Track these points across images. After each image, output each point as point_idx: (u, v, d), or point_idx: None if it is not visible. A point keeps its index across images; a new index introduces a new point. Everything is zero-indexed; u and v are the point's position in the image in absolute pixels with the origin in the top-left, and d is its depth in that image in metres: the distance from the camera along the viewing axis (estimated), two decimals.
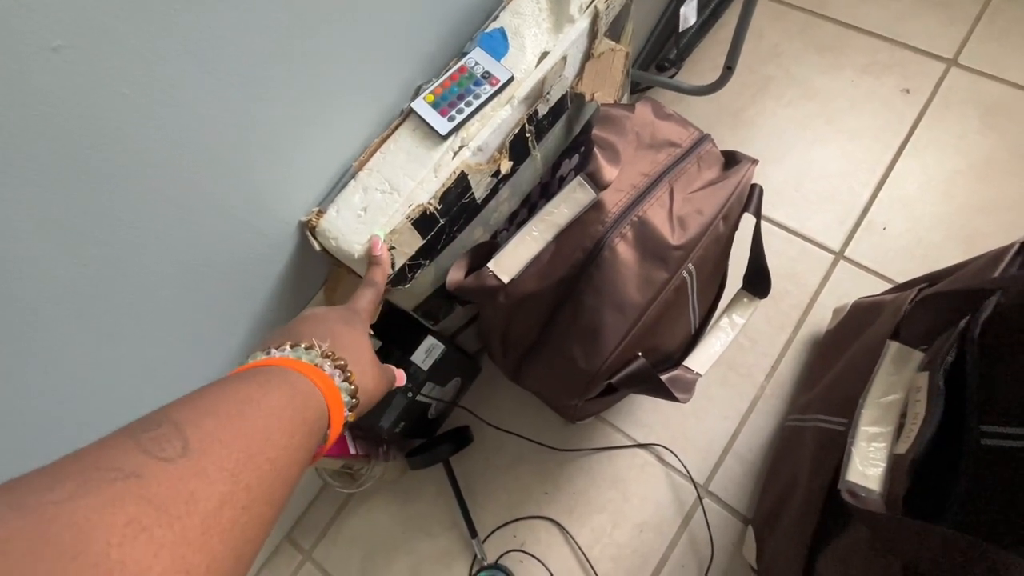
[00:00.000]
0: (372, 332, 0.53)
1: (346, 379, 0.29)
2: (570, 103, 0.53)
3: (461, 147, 0.46)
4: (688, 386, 0.56)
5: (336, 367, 0.29)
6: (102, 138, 0.30)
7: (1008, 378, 0.37)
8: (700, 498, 0.70)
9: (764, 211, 0.83)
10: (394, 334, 0.62)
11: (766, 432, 0.72)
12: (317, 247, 0.46)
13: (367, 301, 0.39)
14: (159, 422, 0.20)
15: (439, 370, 0.63)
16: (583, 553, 0.70)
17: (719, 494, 0.71)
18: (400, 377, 0.39)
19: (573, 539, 0.71)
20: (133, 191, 0.33)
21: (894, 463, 0.39)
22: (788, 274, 0.79)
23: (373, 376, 0.33)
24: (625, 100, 0.70)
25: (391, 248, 0.44)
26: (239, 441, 0.21)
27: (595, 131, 0.50)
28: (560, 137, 0.56)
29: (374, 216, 0.45)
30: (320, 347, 0.29)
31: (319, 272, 0.53)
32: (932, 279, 0.58)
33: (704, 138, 0.55)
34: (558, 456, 0.75)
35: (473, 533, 0.72)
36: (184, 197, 0.36)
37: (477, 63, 0.47)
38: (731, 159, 0.55)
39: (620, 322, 0.48)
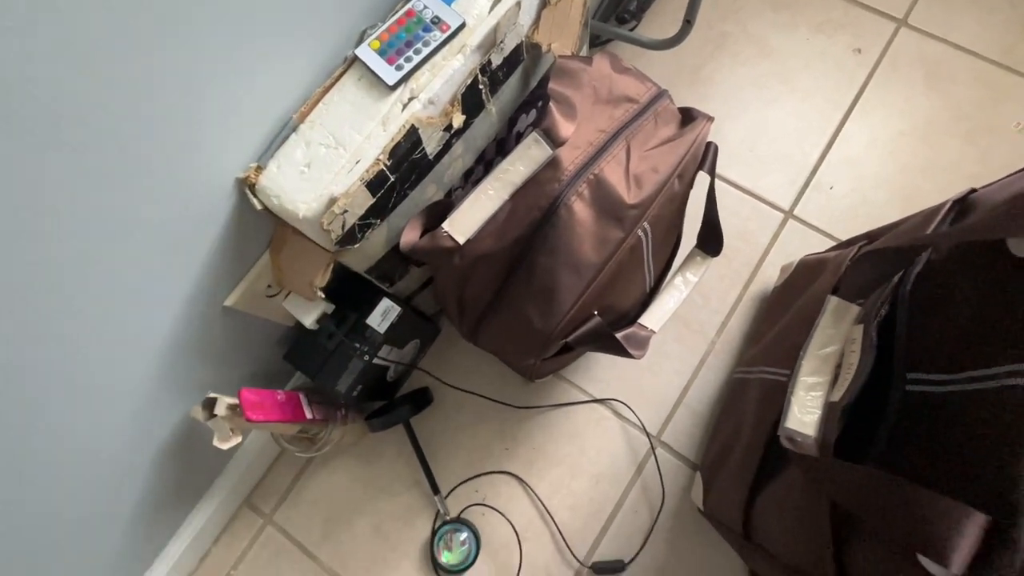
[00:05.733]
0: (324, 296, 0.51)
1: None
2: (526, 54, 0.51)
3: (411, 99, 0.43)
4: (643, 343, 0.58)
5: None
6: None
7: (935, 329, 0.39)
8: (653, 448, 0.74)
9: (719, 170, 0.84)
10: (349, 297, 0.60)
11: (715, 385, 0.76)
12: (258, 206, 0.43)
13: None
14: None
15: (396, 332, 0.62)
16: (542, 504, 0.73)
17: (671, 444, 0.74)
18: None
19: (533, 491, 0.74)
20: (40, 146, 0.30)
21: (828, 410, 0.42)
22: (740, 233, 0.81)
23: None
24: (584, 53, 0.68)
25: (344, 212, 0.42)
26: None
27: (551, 84, 0.49)
28: (516, 90, 0.54)
29: (319, 172, 0.42)
30: None
31: (262, 233, 0.50)
32: (872, 236, 0.61)
33: (661, 94, 0.54)
34: (518, 413, 0.77)
35: (435, 490, 0.73)
36: (102, 155, 0.33)
37: (426, 7, 0.44)
38: (687, 116, 0.54)
39: (575, 282, 0.48)
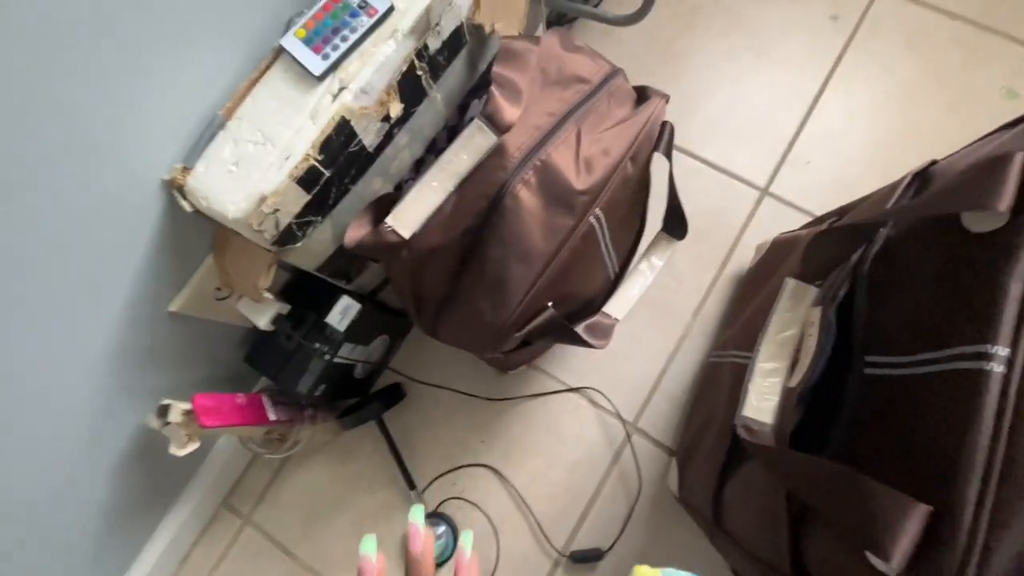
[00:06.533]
0: (273, 296, 0.49)
1: None
2: (468, 36, 0.49)
3: (341, 89, 0.41)
4: (607, 332, 0.56)
5: None
6: None
7: (893, 309, 0.38)
8: (629, 435, 0.73)
9: (693, 149, 0.82)
10: (306, 296, 0.59)
11: (692, 369, 0.74)
12: (188, 208, 0.41)
13: None
14: None
15: (359, 330, 0.61)
16: (520, 495, 0.72)
17: (647, 430, 0.73)
18: None
19: (510, 483, 0.73)
20: None
21: (785, 396, 0.41)
22: (715, 212, 0.79)
23: None
24: (540, 31, 0.65)
25: (275, 211, 0.40)
26: None
27: (495, 68, 0.46)
28: (463, 75, 0.52)
29: (247, 170, 0.40)
30: None
31: (204, 235, 0.48)
32: (843, 211, 0.59)
33: (615, 73, 0.51)
34: (494, 406, 0.76)
35: (411, 485, 0.72)
36: (11, 162, 0.31)
37: None
38: (642, 95, 0.52)
39: (526, 273, 0.46)
